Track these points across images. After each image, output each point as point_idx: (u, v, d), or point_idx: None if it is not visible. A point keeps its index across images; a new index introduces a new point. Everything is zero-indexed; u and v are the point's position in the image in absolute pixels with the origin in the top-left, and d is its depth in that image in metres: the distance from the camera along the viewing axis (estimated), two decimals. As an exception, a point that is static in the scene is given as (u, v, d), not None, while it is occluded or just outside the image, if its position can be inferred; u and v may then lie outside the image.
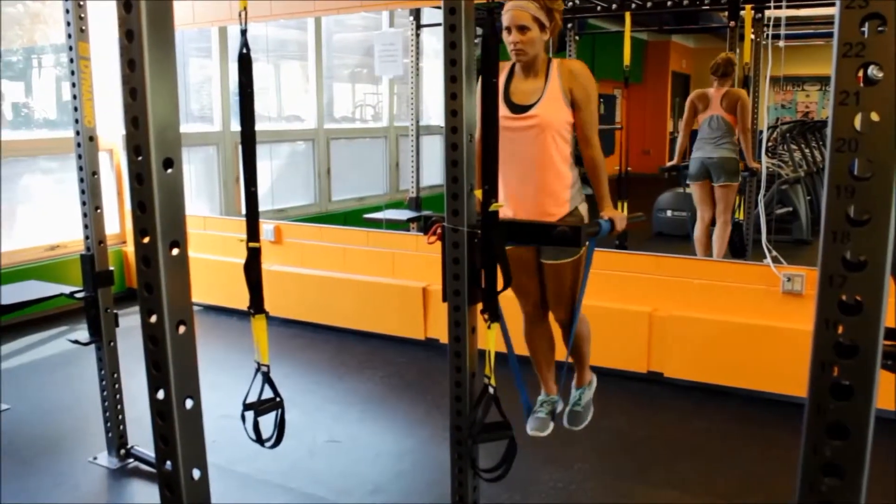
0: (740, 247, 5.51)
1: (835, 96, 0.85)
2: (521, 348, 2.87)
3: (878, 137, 0.86)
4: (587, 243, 2.70)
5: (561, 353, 3.09)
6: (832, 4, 0.89)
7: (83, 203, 3.18)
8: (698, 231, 5.58)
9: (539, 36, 2.70)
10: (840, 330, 0.90)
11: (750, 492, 3.13)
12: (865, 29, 0.85)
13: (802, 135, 8.23)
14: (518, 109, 2.76)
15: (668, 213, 7.23)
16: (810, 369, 0.93)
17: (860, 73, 0.84)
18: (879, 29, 0.84)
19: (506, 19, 2.68)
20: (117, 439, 3.37)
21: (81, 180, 3.16)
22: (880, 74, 0.85)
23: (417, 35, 6.53)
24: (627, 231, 2.97)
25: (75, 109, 3.11)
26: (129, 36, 1.21)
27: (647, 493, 3.16)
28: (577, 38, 6.45)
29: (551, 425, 3.03)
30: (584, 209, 2.90)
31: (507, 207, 2.80)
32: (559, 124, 2.75)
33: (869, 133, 0.86)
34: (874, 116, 0.85)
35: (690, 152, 5.65)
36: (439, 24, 6.45)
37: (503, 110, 2.68)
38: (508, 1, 2.69)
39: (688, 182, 5.64)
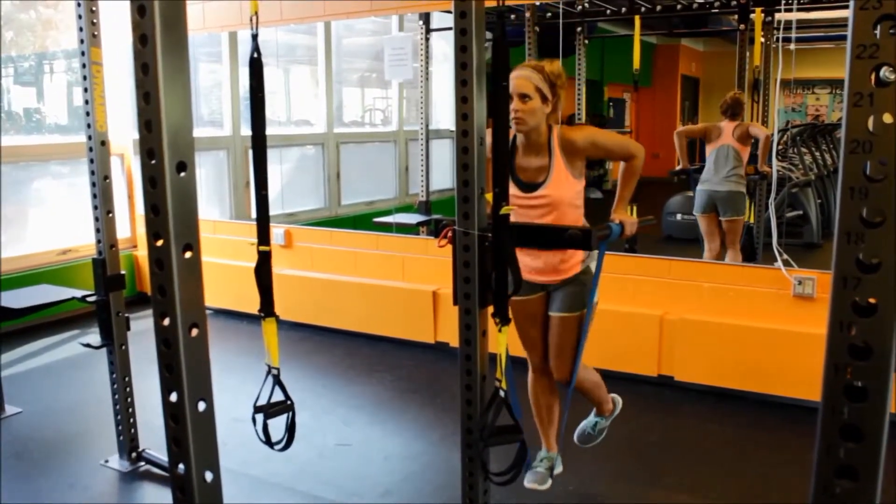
0: (750, 250, 5.48)
1: (848, 98, 0.85)
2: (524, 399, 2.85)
3: (891, 139, 0.85)
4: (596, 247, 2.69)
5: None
6: (843, 7, 0.88)
7: (95, 207, 3.19)
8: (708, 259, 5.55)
9: (540, 107, 2.70)
10: (854, 332, 0.90)
11: (763, 496, 3.11)
12: (878, 31, 0.85)
13: (813, 138, 8.19)
14: (527, 188, 2.77)
15: (678, 216, 7.20)
16: (824, 371, 0.92)
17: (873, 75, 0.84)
18: (892, 31, 0.84)
19: (510, 87, 2.68)
20: (129, 442, 3.38)
21: (93, 184, 3.18)
22: (892, 76, 0.85)
23: (427, 39, 6.53)
24: (637, 234, 2.96)
25: (87, 114, 3.13)
26: (142, 40, 1.22)
27: (659, 496, 3.15)
28: (586, 41, 6.45)
29: (549, 481, 3.01)
30: (593, 266, 2.90)
31: (525, 272, 2.80)
32: (570, 197, 2.77)
33: (882, 134, 0.86)
34: (887, 118, 0.85)
35: (698, 156, 5.63)
36: (449, 29, 6.44)
37: (512, 188, 2.67)
38: (514, 70, 2.70)
39: (694, 213, 5.61)
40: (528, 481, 2.96)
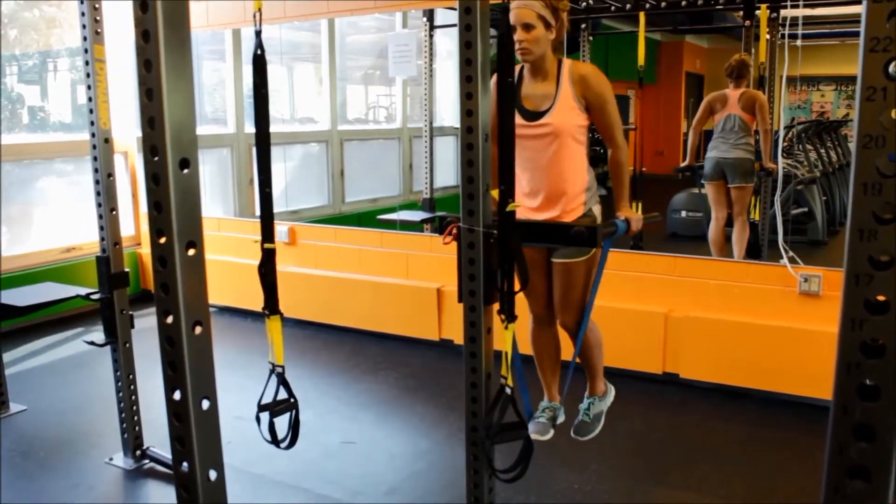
0: (755, 247, 5.47)
1: (861, 92, 0.84)
2: (525, 347, 2.84)
3: (904, 134, 0.84)
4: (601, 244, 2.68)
5: (567, 354, 3.05)
6: (848, 3, 0.87)
7: (99, 205, 3.19)
8: (713, 232, 5.54)
9: (544, 34, 2.67)
10: (866, 330, 0.89)
11: (769, 495, 3.10)
12: (891, 24, 0.83)
13: (818, 135, 8.18)
14: (531, 116, 2.73)
15: (683, 213, 7.20)
16: (836, 369, 0.91)
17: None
18: (905, 24, 0.82)
19: (511, 18, 2.66)
20: (133, 440, 3.38)
21: (97, 182, 3.17)
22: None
23: (431, 36, 6.52)
24: (642, 231, 2.95)
25: (91, 111, 3.12)
26: (145, 36, 1.21)
27: (664, 495, 3.14)
28: (590, 38, 6.43)
29: (552, 431, 2.98)
30: (597, 210, 2.88)
31: (522, 209, 2.78)
32: (573, 129, 2.73)
33: (894, 129, 0.84)
34: (899, 112, 0.84)
35: (704, 152, 5.62)
36: (453, 25, 6.42)
37: (516, 118, 2.66)
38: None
39: (702, 182, 5.60)
40: (530, 432, 2.95)
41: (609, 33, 8.52)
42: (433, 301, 4.93)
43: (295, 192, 7.31)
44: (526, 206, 2.82)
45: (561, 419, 3.05)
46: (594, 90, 2.72)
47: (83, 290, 3.56)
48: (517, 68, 2.79)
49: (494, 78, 2.22)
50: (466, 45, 2.02)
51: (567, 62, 2.75)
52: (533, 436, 2.93)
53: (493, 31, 2.29)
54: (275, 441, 2.52)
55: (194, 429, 1.32)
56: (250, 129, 6.73)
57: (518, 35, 2.64)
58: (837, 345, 0.91)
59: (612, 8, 5.73)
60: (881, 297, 0.89)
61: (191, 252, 1.28)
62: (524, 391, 2.65)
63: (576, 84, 2.71)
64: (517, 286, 2.21)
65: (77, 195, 5.98)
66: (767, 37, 5.43)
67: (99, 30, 3.08)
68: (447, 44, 8.12)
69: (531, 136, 2.72)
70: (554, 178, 2.78)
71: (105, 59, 3.12)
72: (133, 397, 3.37)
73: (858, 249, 0.87)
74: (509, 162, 2.14)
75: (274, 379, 2.53)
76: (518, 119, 2.66)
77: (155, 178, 1.24)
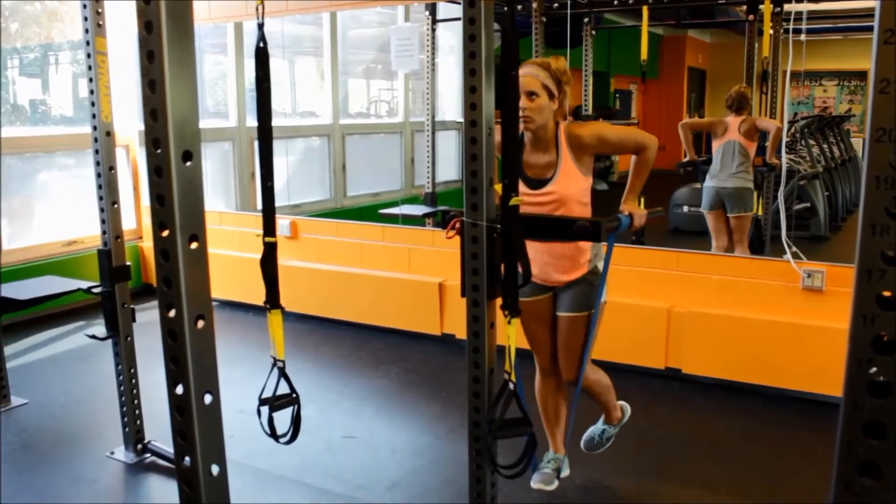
0: (759, 243, 5.45)
1: (875, 84, 0.83)
2: (531, 399, 2.83)
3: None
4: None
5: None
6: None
7: (100, 198, 3.18)
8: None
9: (548, 104, 2.68)
10: (878, 325, 0.87)
11: (773, 490, 3.09)
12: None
13: (820, 130, 8.15)
14: (535, 185, 2.75)
15: (685, 208, 7.18)
16: (846, 365, 0.90)
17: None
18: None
19: None
20: (134, 434, 3.37)
21: (99, 175, 3.16)
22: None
23: (433, 30, 6.50)
24: (645, 227, 2.94)
25: (92, 104, 3.11)
26: (148, 27, 1.20)
27: (667, 490, 3.14)
28: (593, 32, 6.41)
29: (556, 482, 2.98)
30: (601, 266, 2.88)
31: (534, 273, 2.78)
32: (578, 193, 2.75)
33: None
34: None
35: (705, 148, 5.59)
36: (455, 20, 6.39)
37: (520, 186, 2.64)
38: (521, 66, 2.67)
39: (701, 210, 5.57)
40: (535, 482, 2.94)
41: (612, 28, 8.51)
42: (435, 295, 4.93)
43: (297, 186, 7.30)
44: (534, 274, 2.82)
45: (565, 472, 3.04)
46: (587, 139, 2.72)
47: (84, 284, 3.55)
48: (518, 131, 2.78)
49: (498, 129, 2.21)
50: (470, 38, 2.01)
51: (562, 126, 2.75)
52: (537, 486, 2.93)
53: (496, 26, 2.27)
54: (275, 435, 2.51)
55: (196, 423, 1.31)
56: (252, 122, 6.71)
57: (522, 103, 2.64)
58: (848, 340, 0.89)
59: (616, 2, 5.71)
60: (889, 293, 0.88)
61: (193, 245, 1.27)
62: (520, 387, 2.65)
63: (573, 147, 2.72)
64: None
65: (78, 188, 5.97)
66: (771, 31, 5.41)
67: (101, 22, 3.07)
68: (449, 38, 8.10)
69: (536, 203, 2.73)
70: (560, 245, 2.79)
71: (107, 52, 3.11)
72: (134, 391, 3.37)
73: (870, 244, 0.86)
74: (513, 156, 2.13)
75: (275, 373, 2.53)
76: (523, 188, 2.67)
77: (157, 171, 1.23)
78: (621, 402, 3.20)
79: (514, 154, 2.13)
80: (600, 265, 2.87)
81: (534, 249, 2.79)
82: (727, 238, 5.42)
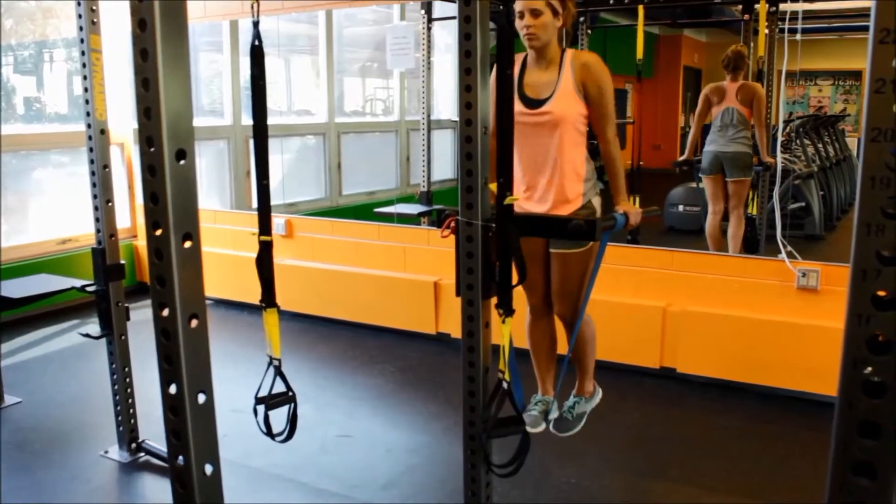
0: (753, 242, 5.46)
1: (870, 84, 0.83)
2: (520, 341, 2.82)
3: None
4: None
5: (563, 348, 3.04)
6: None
7: (94, 196, 3.17)
8: (710, 226, 5.53)
9: (552, 21, 2.67)
10: (872, 325, 0.87)
11: (767, 488, 3.09)
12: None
13: (815, 129, 8.16)
14: (532, 104, 2.72)
15: (681, 207, 7.19)
16: (841, 365, 0.90)
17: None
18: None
19: (518, 4, 2.65)
20: (128, 433, 3.36)
21: (93, 173, 3.15)
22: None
23: (429, 29, 6.49)
24: (640, 225, 2.94)
25: (87, 102, 3.10)
26: (141, 25, 1.19)
27: (661, 489, 3.14)
28: (589, 31, 6.41)
29: (543, 424, 2.97)
30: (597, 202, 2.87)
31: (521, 199, 2.77)
32: (574, 118, 2.72)
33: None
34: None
35: (702, 147, 5.60)
36: (451, 18, 6.37)
37: (517, 105, 2.65)
38: None
39: (700, 176, 5.59)
40: None
41: (607, 27, 8.49)
42: (430, 294, 4.92)
43: (292, 184, 7.28)
44: (523, 197, 2.80)
45: (554, 414, 3.04)
46: (594, 79, 2.71)
47: (79, 282, 3.54)
48: (521, 56, 2.78)
49: (494, 72, 2.21)
50: (466, 37, 2.01)
51: (570, 51, 2.74)
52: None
53: (491, 25, 2.27)
54: (271, 434, 2.51)
55: (190, 423, 1.30)
56: (247, 121, 6.71)
57: (526, 21, 2.64)
58: (843, 340, 0.89)
59: (611, 1, 5.71)
60: (891, 292, 0.87)
61: (187, 244, 1.26)
62: (517, 385, 2.64)
63: (577, 71, 2.71)
64: (515, 280, 2.19)
65: (73, 186, 5.95)
66: (766, 31, 5.41)
67: (95, 20, 3.06)
68: (445, 36, 8.10)
69: (532, 123, 2.71)
70: (553, 167, 2.77)
71: (101, 50, 3.10)
72: (128, 390, 3.36)
73: (865, 244, 0.86)
74: (508, 155, 2.13)
75: (271, 372, 2.53)
76: (519, 106, 2.65)
77: (151, 170, 1.23)
78: (597, 386, 3.20)
79: (509, 153, 2.13)
80: (594, 200, 2.85)
81: (524, 178, 2.77)
82: (724, 204, 5.44)
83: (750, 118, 5.30)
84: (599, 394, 3.23)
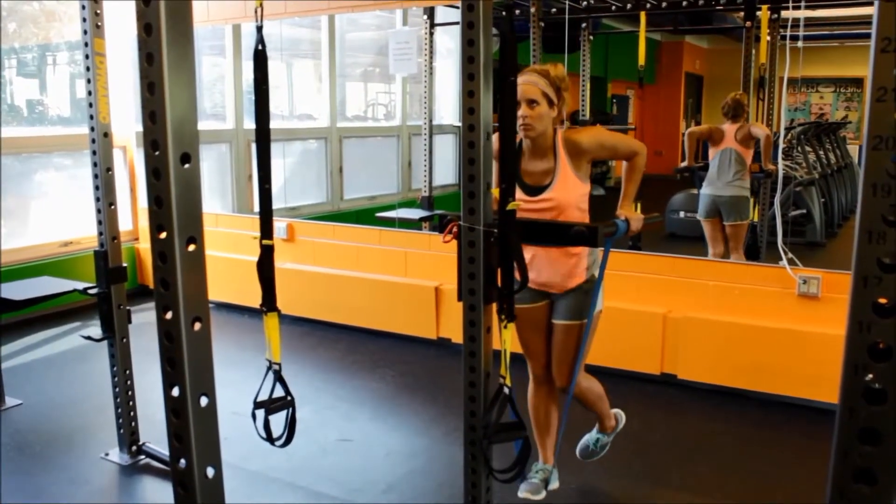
0: (754, 249, 5.46)
1: (872, 92, 0.83)
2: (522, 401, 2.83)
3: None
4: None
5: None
6: (850, 5, 0.86)
7: (97, 199, 3.18)
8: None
9: (547, 112, 2.67)
10: (874, 332, 0.88)
11: (768, 496, 3.09)
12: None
13: (817, 136, 8.17)
14: (533, 191, 2.74)
15: (682, 214, 7.19)
16: (842, 372, 0.90)
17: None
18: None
19: (517, 93, 2.66)
20: (129, 436, 3.37)
21: (96, 176, 3.16)
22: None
23: (431, 34, 6.51)
24: (641, 232, 2.95)
25: (90, 105, 3.11)
26: (147, 30, 1.20)
27: (662, 495, 3.14)
28: (590, 37, 6.42)
29: (544, 492, 2.96)
30: (598, 275, 2.88)
31: (531, 276, 2.77)
32: (576, 199, 2.75)
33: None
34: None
35: (701, 154, 5.60)
36: (454, 24, 6.40)
37: (518, 193, 2.64)
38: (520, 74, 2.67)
39: (698, 217, 5.57)
40: (522, 491, 2.92)
41: (609, 33, 8.51)
42: (431, 299, 4.93)
43: (294, 188, 7.30)
44: (532, 276, 2.80)
45: (554, 485, 3.02)
46: (586, 145, 2.72)
47: (80, 285, 3.55)
48: (517, 140, 2.78)
49: (496, 137, 2.20)
50: (469, 43, 2.01)
51: (560, 134, 2.74)
52: (523, 495, 2.92)
53: (494, 31, 2.28)
54: (270, 438, 2.51)
55: (192, 426, 1.31)
56: (249, 125, 6.72)
57: (522, 111, 2.63)
58: (844, 347, 0.90)
59: (613, 7, 5.72)
60: (885, 300, 0.88)
61: (191, 248, 1.27)
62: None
63: (571, 153, 2.72)
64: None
65: (75, 189, 5.96)
66: (768, 38, 5.42)
67: (99, 23, 3.07)
68: (447, 42, 8.11)
69: (534, 210, 2.72)
70: (558, 251, 2.79)
71: (105, 54, 3.11)
72: (129, 393, 3.36)
73: (866, 251, 0.86)
74: (511, 160, 2.13)
75: (271, 376, 2.52)
76: (520, 195, 2.66)
77: (156, 173, 1.23)
78: (616, 411, 3.20)
79: (512, 158, 2.13)
80: (597, 273, 2.87)
81: (534, 255, 2.80)
82: (723, 246, 5.43)
83: (748, 158, 5.26)
84: (623, 419, 3.24)
